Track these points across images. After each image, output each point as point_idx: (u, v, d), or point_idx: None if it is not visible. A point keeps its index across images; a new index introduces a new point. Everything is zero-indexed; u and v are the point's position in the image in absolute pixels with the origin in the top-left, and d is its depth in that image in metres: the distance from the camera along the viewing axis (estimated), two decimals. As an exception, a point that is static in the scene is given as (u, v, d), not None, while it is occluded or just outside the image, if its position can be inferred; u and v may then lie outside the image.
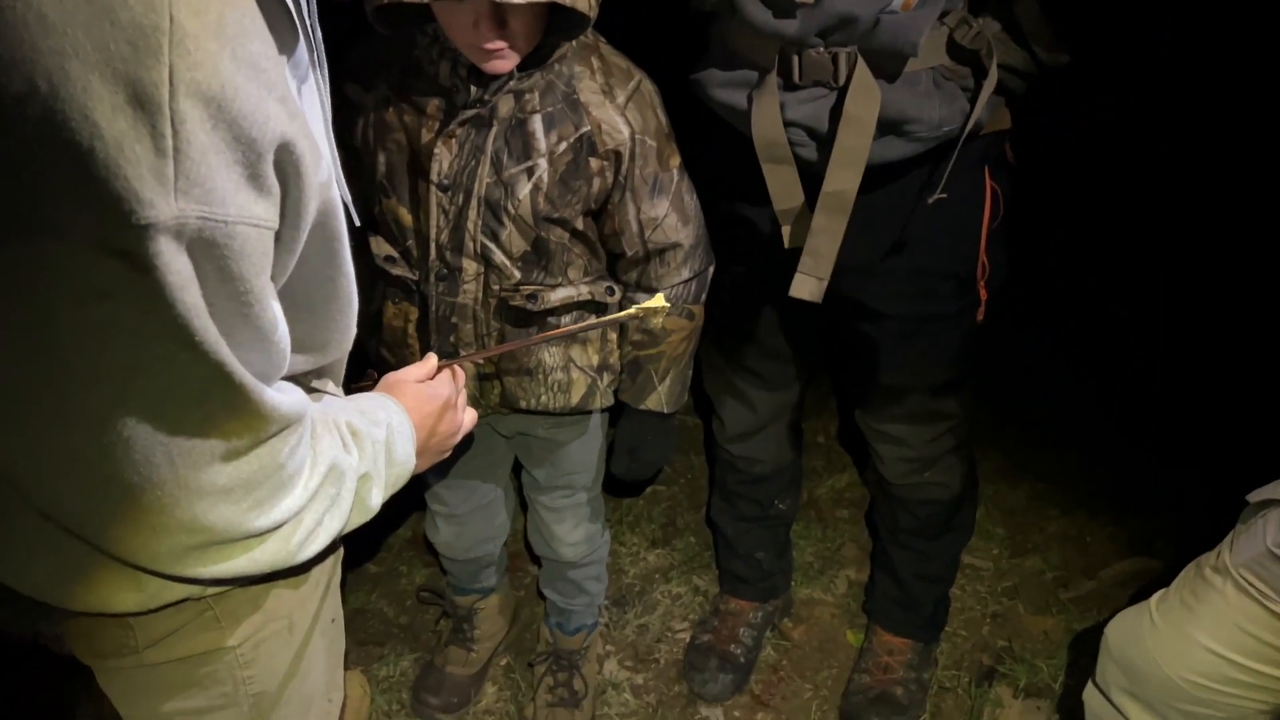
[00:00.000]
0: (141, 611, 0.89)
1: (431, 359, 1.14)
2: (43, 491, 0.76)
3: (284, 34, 0.73)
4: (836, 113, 1.23)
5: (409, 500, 1.42)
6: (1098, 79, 1.88)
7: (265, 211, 0.69)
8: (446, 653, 1.92)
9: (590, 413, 1.60)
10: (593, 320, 1.45)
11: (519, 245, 1.36)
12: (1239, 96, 2.19)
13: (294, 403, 0.80)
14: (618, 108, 1.32)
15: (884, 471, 1.71)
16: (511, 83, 1.26)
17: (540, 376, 1.48)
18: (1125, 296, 2.55)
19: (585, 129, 1.30)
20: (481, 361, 1.46)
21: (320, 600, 1.07)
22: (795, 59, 1.24)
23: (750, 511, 1.90)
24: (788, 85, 1.27)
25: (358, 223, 0.94)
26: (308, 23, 0.76)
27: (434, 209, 1.33)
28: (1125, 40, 1.43)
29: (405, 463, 1.00)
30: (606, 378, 1.54)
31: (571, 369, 1.49)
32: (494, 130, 1.29)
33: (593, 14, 1.19)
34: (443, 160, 1.30)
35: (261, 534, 0.82)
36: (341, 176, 0.86)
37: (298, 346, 0.84)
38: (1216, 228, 2.35)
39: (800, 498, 2.05)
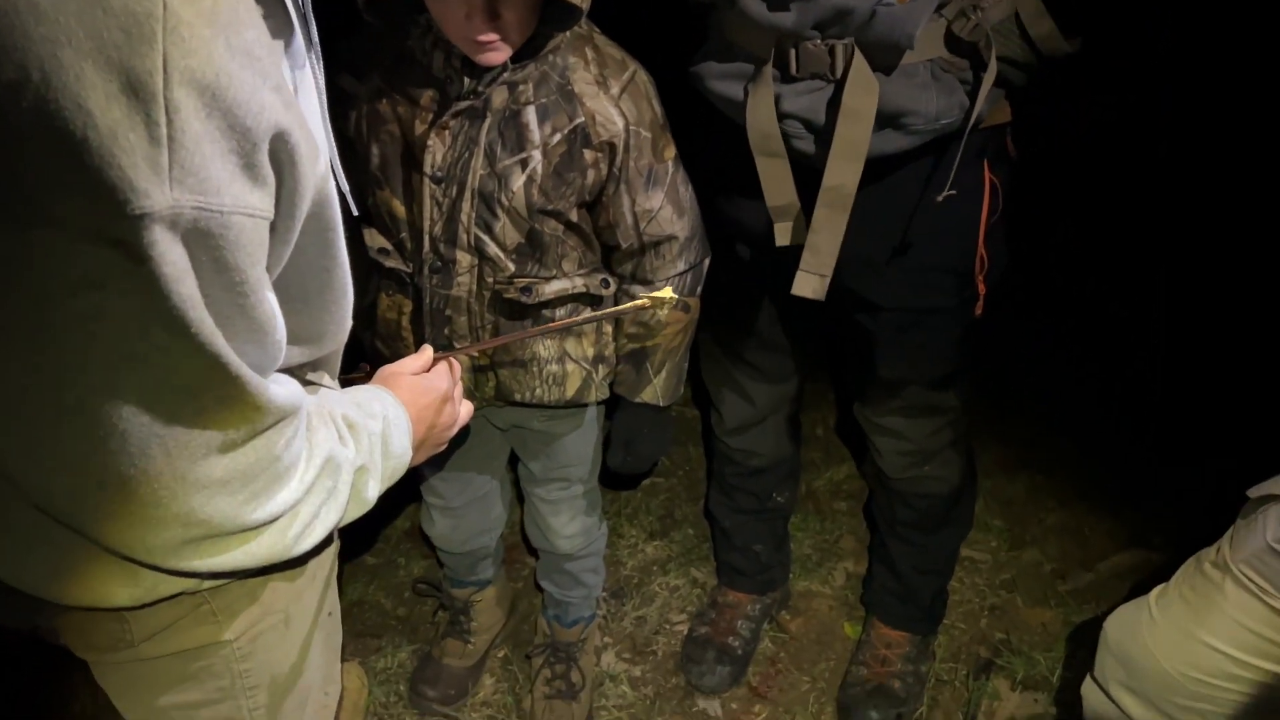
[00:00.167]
0: (137, 606, 0.89)
1: (427, 351, 1.14)
2: (37, 485, 0.76)
3: (279, 22, 0.72)
4: (834, 105, 1.22)
5: (406, 492, 1.42)
6: (1097, 78, 1.87)
7: (260, 201, 0.69)
8: (444, 645, 1.92)
9: (586, 405, 1.59)
10: (597, 312, 1.44)
11: (513, 237, 1.35)
12: (1239, 95, 2.18)
13: (290, 395, 0.79)
14: (612, 99, 1.31)
15: (882, 465, 1.71)
16: (505, 74, 1.25)
17: (535, 369, 1.47)
18: (1125, 292, 2.54)
19: (579, 120, 1.29)
20: (476, 354, 1.46)
21: (317, 593, 1.06)
22: (792, 51, 1.23)
23: (748, 504, 1.90)
24: (785, 77, 1.26)
25: (355, 213, 0.93)
26: (303, 10, 0.76)
27: (427, 201, 1.33)
28: (1125, 39, 1.42)
29: (402, 455, 1.00)
30: (602, 370, 1.53)
31: (566, 361, 1.49)
32: (488, 122, 1.28)
33: (585, 4, 1.18)
34: (436, 152, 1.29)
35: (258, 527, 0.81)
36: (339, 166, 0.86)
37: (293, 338, 0.83)
38: (1216, 225, 2.34)
39: (798, 490, 2.04)
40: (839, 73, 1.21)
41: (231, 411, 0.73)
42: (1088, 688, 1.37)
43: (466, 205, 1.32)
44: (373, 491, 0.95)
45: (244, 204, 0.67)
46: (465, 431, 1.17)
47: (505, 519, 1.86)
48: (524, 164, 1.30)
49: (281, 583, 0.99)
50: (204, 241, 0.65)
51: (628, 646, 2.00)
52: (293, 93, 0.76)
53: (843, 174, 1.23)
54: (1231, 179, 2.27)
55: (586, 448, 1.68)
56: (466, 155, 1.29)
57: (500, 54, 1.21)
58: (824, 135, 1.24)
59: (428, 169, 1.30)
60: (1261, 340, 2.16)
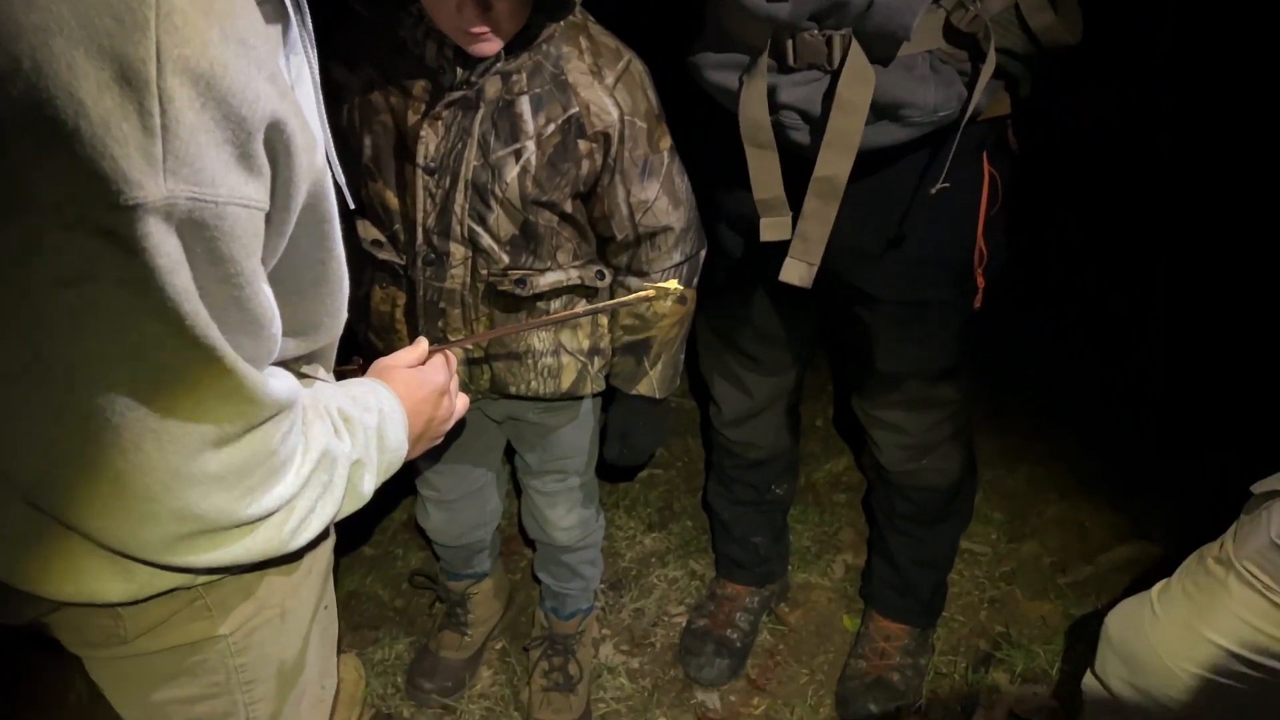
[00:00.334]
0: (131, 601, 0.88)
1: (422, 343, 1.13)
2: (29, 480, 0.75)
3: (273, 10, 0.72)
4: (830, 96, 1.21)
5: (403, 483, 1.42)
6: (1098, 73, 1.86)
7: (256, 192, 0.68)
8: (441, 637, 1.92)
9: (581, 398, 1.58)
10: (600, 303, 1.43)
11: (507, 229, 1.34)
12: (1240, 91, 2.16)
13: (286, 388, 0.79)
14: (606, 89, 1.29)
15: (881, 458, 1.69)
16: (499, 64, 1.24)
17: (530, 362, 1.46)
18: (1126, 286, 2.53)
19: (573, 110, 1.28)
20: (471, 347, 1.45)
21: (313, 587, 1.06)
22: (789, 42, 1.22)
23: (747, 496, 1.89)
24: (782, 68, 1.25)
25: (351, 205, 0.92)
26: None
27: (420, 193, 1.31)
28: (1126, 34, 1.40)
29: (398, 449, 0.99)
30: (597, 363, 1.52)
31: (562, 354, 1.47)
32: (481, 112, 1.27)
33: None
34: (429, 143, 1.28)
35: (253, 522, 0.81)
36: (335, 157, 0.85)
37: (287, 330, 0.83)
38: (1218, 218, 2.32)
39: (798, 482, 2.03)
40: (836, 63, 1.20)
41: (227, 405, 0.72)
42: (1088, 682, 1.36)
43: (460, 197, 1.31)
44: (368, 486, 0.95)
45: (239, 195, 0.66)
46: (461, 424, 1.17)
47: (501, 512, 1.85)
48: (518, 155, 1.29)
49: (277, 577, 0.98)
50: (198, 233, 0.64)
51: (626, 639, 1.99)
52: (288, 82, 0.75)
53: (834, 165, 1.22)
54: (1233, 174, 2.25)
55: (583, 440, 1.67)
56: (460, 146, 1.28)
57: (493, 44, 1.19)
58: (820, 127, 1.23)
59: (420, 160, 1.29)
60: (1262, 334, 2.14)
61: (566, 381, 1.49)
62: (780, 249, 1.32)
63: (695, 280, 1.49)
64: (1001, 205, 1.39)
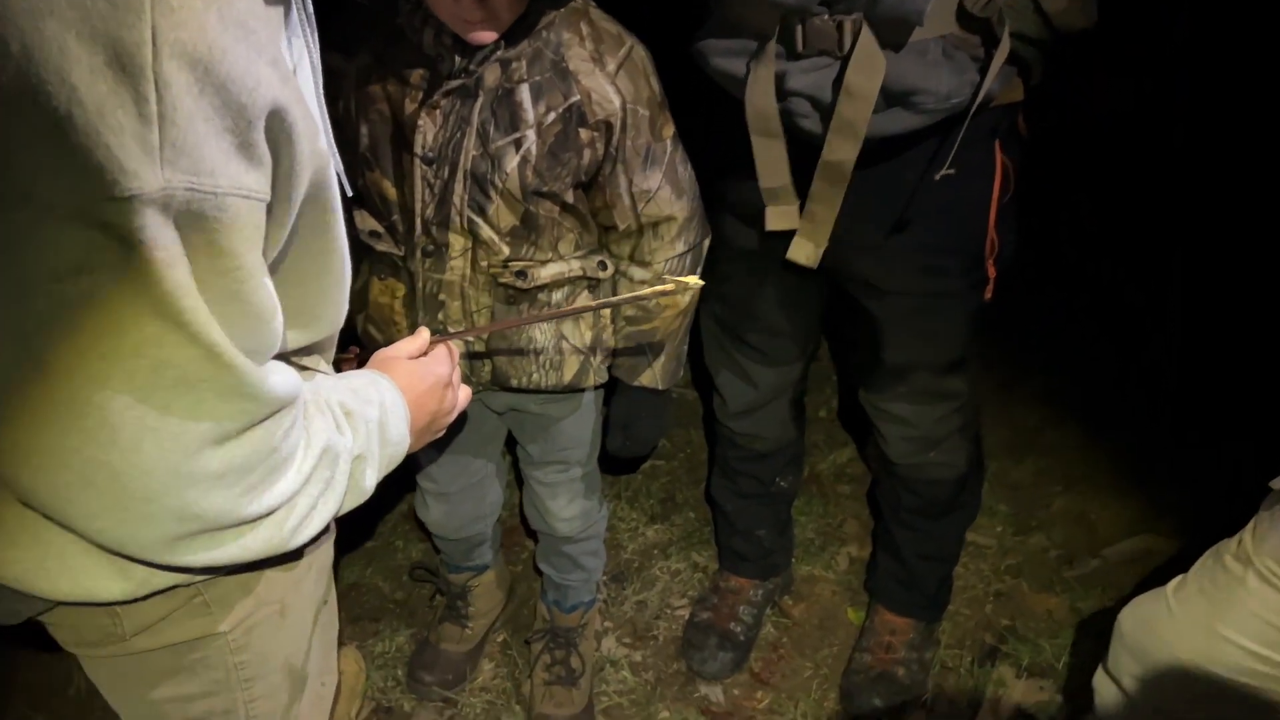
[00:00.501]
0: (128, 600, 0.87)
1: (423, 334, 1.10)
2: (23, 479, 0.72)
3: None
4: (840, 82, 1.18)
5: (404, 475, 1.39)
6: (1113, 63, 1.83)
7: (257, 182, 0.66)
8: (441, 630, 1.90)
9: (583, 390, 1.56)
10: (617, 296, 1.40)
11: (507, 220, 1.31)
12: (1255, 82, 2.13)
13: (288, 383, 0.77)
14: (608, 76, 1.27)
15: (887, 451, 1.67)
16: (498, 52, 1.21)
17: (532, 354, 1.44)
18: (1141, 276, 2.50)
19: (575, 98, 1.25)
20: (472, 339, 1.43)
21: (313, 583, 1.05)
22: (799, 27, 1.19)
23: (751, 488, 1.86)
24: (790, 54, 1.22)
25: (349, 193, 0.90)
26: None
27: (419, 183, 1.29)
28: (1141, 25, 1.38)
29: (399, 443, 0.97)
30: (599, 354, 1.50)
31: (564, 346, 1.45)
32: (480, 101, 1.24)
33: None
34: (427, 132, 1.26)
35: (254, 520, 0.79)
36: (334, 144, 0.83)
37: (288, 322, 0.80)
38: (1233, 209, 2.30)
39: (802, 474, 2.01)
40: (846, 49, 1.17)
41: (228, 403, 0.70)
42: (1100, 680, 1.34)
43: (459, 187, 1.28)
44: (370, 480, 0.92)
45: (239, 185, 0.64)
46: (463, 417, 1.14)
47: (501, 504, 1.83)
48: (518, 144, 1.26)
49: (277, 573, 0.97)
50: (198, 225, 0.62)
51: (628, 631, 1.98)
52: (290, 67, 0.73)
53: (840, 151, 1.20)
54: (1248, 164, 2.22)
55: (585, 430, 1.65)
56: (458, 135, 1.26)
57: (491, 32, 1.17)
58: (829, 114, 1.20)
59: (418, 149, 1.27)
60: (1275, 324, 2.12)
61: (569, 374, 1.47)
62: (787, 239, 1.30)
63: (699, 270, 1.47)
64: (1013, 194, 1.37)
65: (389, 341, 1.44)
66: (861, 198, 1.26)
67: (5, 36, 0.56)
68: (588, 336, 1.47)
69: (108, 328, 0.63)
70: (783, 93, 1.23)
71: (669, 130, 1.35)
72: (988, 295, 1.43)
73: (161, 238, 0.61)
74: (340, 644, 1.31)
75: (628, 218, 1.37)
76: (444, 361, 1.08)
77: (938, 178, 1.22)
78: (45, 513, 0.75)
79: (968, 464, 1.68)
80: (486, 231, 1.32)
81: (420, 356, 1.08)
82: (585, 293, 1.44)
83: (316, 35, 0.79)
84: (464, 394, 1.12)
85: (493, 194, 1.29)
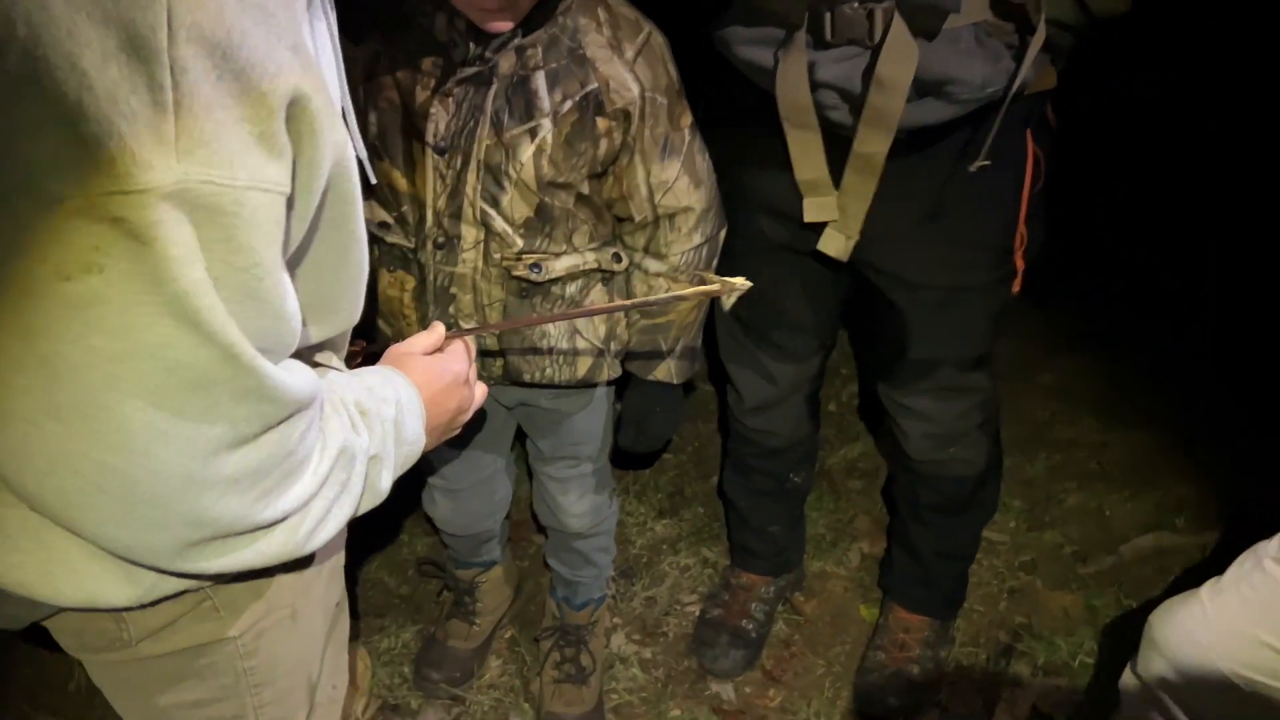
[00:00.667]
0: (135, 606, 0.84)
1: (438, 328, 1.06)
2: (28, 483, 0.69)
3: None
4: (871, 72, 1.14)
5: (412, 470, 1.36)
6: (1138, 54, 1.79)
7: (277, 174, 0.62)
8: (448, 626, 1.88)
9: (597, 384, 1.53)
10: (660, 295, 1.37)
11: (521, 211, 1.28)
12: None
13: (306, 384, 0.73)
14: (626, 63, 1.23)
15: (906, 447, 1.64)
16: (515, 39, 1.18)
17: (545, 349, 1.41)
18: (1175, 265, 2.47)
19: (592, 86, 1.22)
20: (487, 335, 1.39)
21: (324, 586, 1.02)
22: (827, 15, 1.15)
23: (765, 485, 1.83)
24: (818, 43, 1.18)
25: (373, 180, 0.87)
26: None
27: (430, 173, 1.25)
28: (1169, 15, 1.34)
29: (415, 442, 0.94)
30: (613, 348, 1.47)
31: (577, 340, 1.42)
32: (494, 88, 1.21)
33: None
34: (439, 121, 1.22)
35: (269, 525, 0.75)
36: (356, 131, 0.79)
37: (304, 319, 0.77)
38: (1269, 197, 2.26)
39: (815, 470, 1.98)
40: (877, 38, 1.13)
41: (244, 405, 0.67)
42: (1128, 681, 1.31)
43: (471, 177, 1.25)
44: (386, 481, 0.89)
45: (259, 177, 0.61)
46: (478, 415, 1.11)
47: (510, 500, 1.80)
48: (533, 133, 1.23)
49: (288, 577, 0.94)
50: (215, 220, 0.59)
51: (637, 628, 1.95)
52: (312, 52, 0.69)
53: (872, 142, 1.16)
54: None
55: (596, 425, 1.62)
56: (471, 124, 1.22)
57: (509, 20, 1.13)
58: (860, 105, 1.17)
59: (430, 139, 1.23)
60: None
61: (583, 368, 1.44)
62: (812, 230, 1.27)
63: (714, 262, 1.44)
64: (1043, 185, 1.34)
65: (397, 334, 1.42)
66: (892, 189, 1.22)
67: (11, 17, 0.53)
68: (601, 331, 1.44)
69: (119, 328, 0.60)
70: (811, 83, 1.19)
71: (687, 119, 1.31)
72: (1015, 289, 1.40)
73: (176, 233, 0.57)
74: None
75: (644, 209, 1.33)
76: (461, 358, 1.04)
77: (973, 169, 1.18)
78: (51, 518, 0.72)
79: (987, 460, 1.65)
80: (500, 223, 1.28)
81: (435, 352, 1.04)
82: (599, 286, 1.40)
83: (335, 19, 0.75)
84: (480, 391, 1.09)
85: (506, 185, 1.25)
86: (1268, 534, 1.22)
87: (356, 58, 1.26)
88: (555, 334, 1.40)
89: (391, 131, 1.26)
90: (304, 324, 0.80)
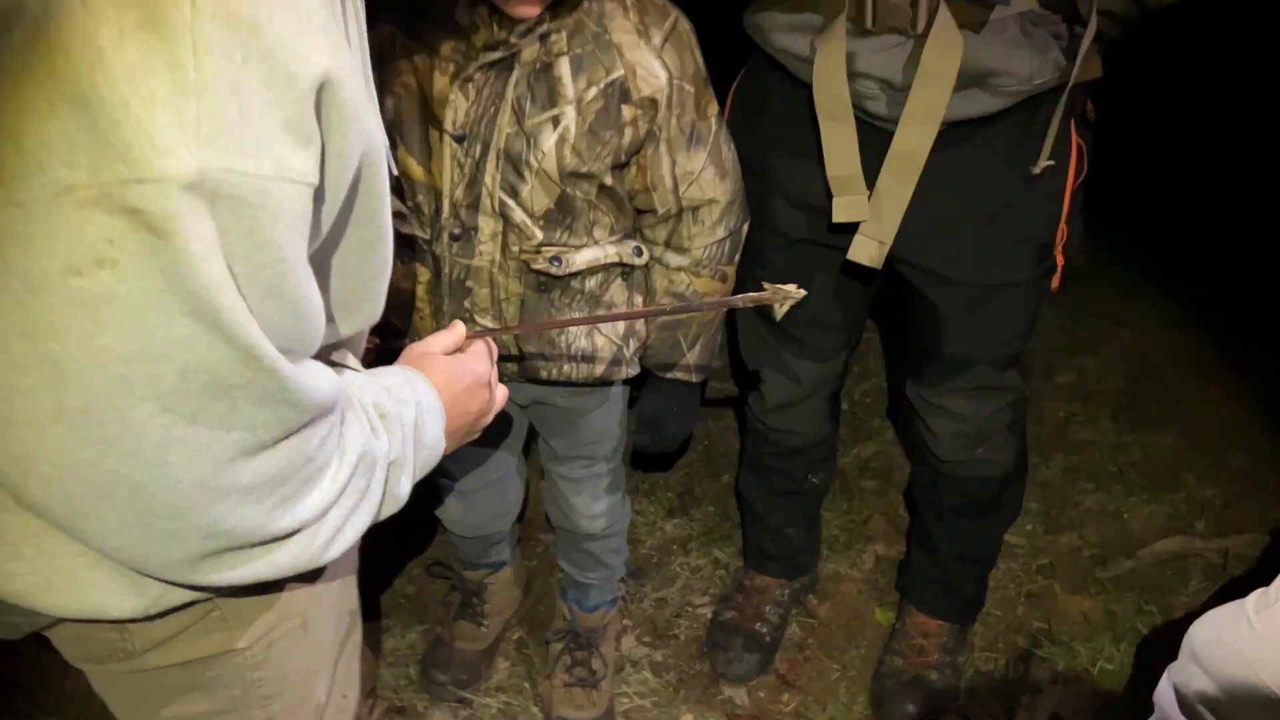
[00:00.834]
0: (141, 617, 0.79)
1: (458, 327, 1.02)
2: (32, 490, 0.64)
3: None
4: (913, 63, 1.10)
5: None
6: (1172, 47, 1.75)
7: (304, 164, 0.58)
8: (455, 627, 1.83)
9: (613, 382, 1.49)
10: (702, 300, 1.33)
11: (541, 202, 1.23)
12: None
13: (328, 387, 0.69)
14: (654, 49, 1.19)
15: (934, 447, 1.59)
16: (541, 25, 1.13)
17: (563, 345, 1.36)
18: (1200, 261, 2.44)
19: (618, 73, 1.17)
20: (514, 334, 1.34)
21: (337, 594, 0.98)
22: (870, 2, 1.11)
23: (783, 485, 1.79)
24: (858, 30, 1.14)
25: (395, 171, 0.82)
26: None
27: (448, 161, 1.21)
28: (1201, 9, 1.30)
29: (435, 446, 0.89)
30: (632, 345, 1.42)
31: (596, 336, 1.38)
32: (516, 74, 1.16)
33: None
34: (458, 107, 1.17)
35: (285, 536, 0.71)
36: (380, 120, 0.74)
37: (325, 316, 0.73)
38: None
39: (834, 471, 1.94)
40: (921, 27, 1.09)
41: (264, 410, 0.63)
42: (1164, 693, 1.26)
43: (491, 166, 1.20)
44: (405, 488, 0.85)
45: (286, 167, 0.57)
46: (498, 418, 1.07)
47: (521, 501, 1.76)
48: (555, 121, 1.18)
49: (300, 585, 0.90)
50: (237, 212, 0.55)
51: (648, 630, 1.91)
52: (343, 34, 0.64)
53: (914, 139, 1.12)
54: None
55: (612, 425, 1.57)
56: (492, 111, 1.17)
57: (535, 6, 1.09)
58: (901, 97, 1.12)
59: (448, 126, 1.18)
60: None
61: (600, 366, 1.40)
62: (846, 227, 1.22)
63: (736, 257, 1.40)
64: (1085, 177, 1.29)
65: (409, 329, 1.37)
66: (929, 184, 1.18)
67: None
68: (620, 328, 1.39)
69: (132, 328, 0.55)
70: (851, 73, 1.15)
71: (713, 108, 1.27)
72: (1055, 283, 1.36)
73: (196, 226, 0.53)
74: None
75: (668, 201, 1.29)
76: (483, 359, 1.00)
77: (1037, 171, 1.14)
78: (56, 526, 0.67)
79: (1015, 461, 1.61)
80: (519, 215, 1.23)
81: (456, 352, 1.00)
82: (619, 281, 1.36)
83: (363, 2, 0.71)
84: (501, 394, 1.04)
85: (527, 174, 1.20)
86: None
87: (371, 40, 1.20)
88: (574, 331, 1.36)
89: (407, 117, 1.21)
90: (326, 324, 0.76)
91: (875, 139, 1.18)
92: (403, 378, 0.89)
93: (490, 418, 1.02)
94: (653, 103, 1.20)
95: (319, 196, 0.62)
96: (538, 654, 1.86)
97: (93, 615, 0.78)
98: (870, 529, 2.10)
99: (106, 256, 0.53)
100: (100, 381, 0.57)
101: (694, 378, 1.46)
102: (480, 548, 1.77)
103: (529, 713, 1.78)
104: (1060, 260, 1.34)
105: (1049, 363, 2.41)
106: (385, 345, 1.25)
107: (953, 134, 1.15)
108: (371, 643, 1.86)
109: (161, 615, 0.80)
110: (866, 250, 1.22)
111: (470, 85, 1.16)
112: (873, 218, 1.20)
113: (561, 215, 1.25)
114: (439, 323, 1.32)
